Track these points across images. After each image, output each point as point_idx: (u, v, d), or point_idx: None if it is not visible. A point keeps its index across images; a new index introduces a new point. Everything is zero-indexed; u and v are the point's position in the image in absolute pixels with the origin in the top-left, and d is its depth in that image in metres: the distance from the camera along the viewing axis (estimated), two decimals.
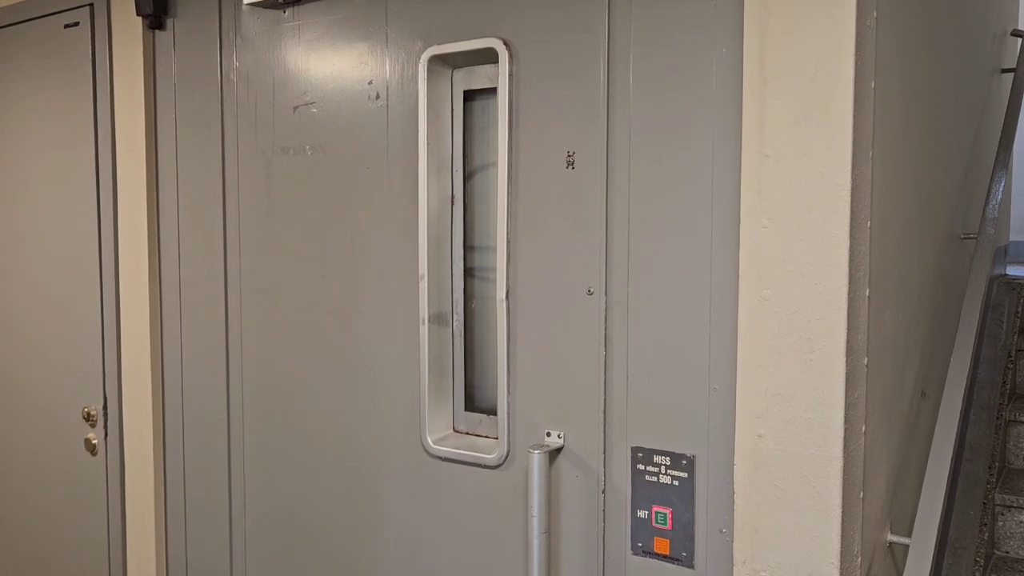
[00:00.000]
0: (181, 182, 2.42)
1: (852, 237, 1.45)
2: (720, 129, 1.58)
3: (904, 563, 1.98)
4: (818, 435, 1.47)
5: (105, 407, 2.61)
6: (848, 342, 1.45)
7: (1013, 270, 4.09)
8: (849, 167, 1.42)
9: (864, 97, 1.47)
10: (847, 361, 1.46)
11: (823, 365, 1.47)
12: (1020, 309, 3.46)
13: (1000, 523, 2.81)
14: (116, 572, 2.63)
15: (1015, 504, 2.78)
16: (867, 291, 1.55)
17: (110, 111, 2.52)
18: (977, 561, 2.66)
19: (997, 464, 2.96)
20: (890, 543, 1.83)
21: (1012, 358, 3.29)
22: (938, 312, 2.35)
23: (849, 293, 1.45)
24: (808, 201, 1.46)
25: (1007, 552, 2.81)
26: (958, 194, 2.63)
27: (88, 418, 2.65)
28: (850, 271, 1.45)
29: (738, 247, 1.56)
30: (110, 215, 2.54)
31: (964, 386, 2.05)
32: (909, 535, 1.88)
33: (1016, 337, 3.34)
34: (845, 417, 1.46)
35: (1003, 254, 3.86)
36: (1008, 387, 3.22)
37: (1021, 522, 2.79)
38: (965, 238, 2.68)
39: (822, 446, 1.47)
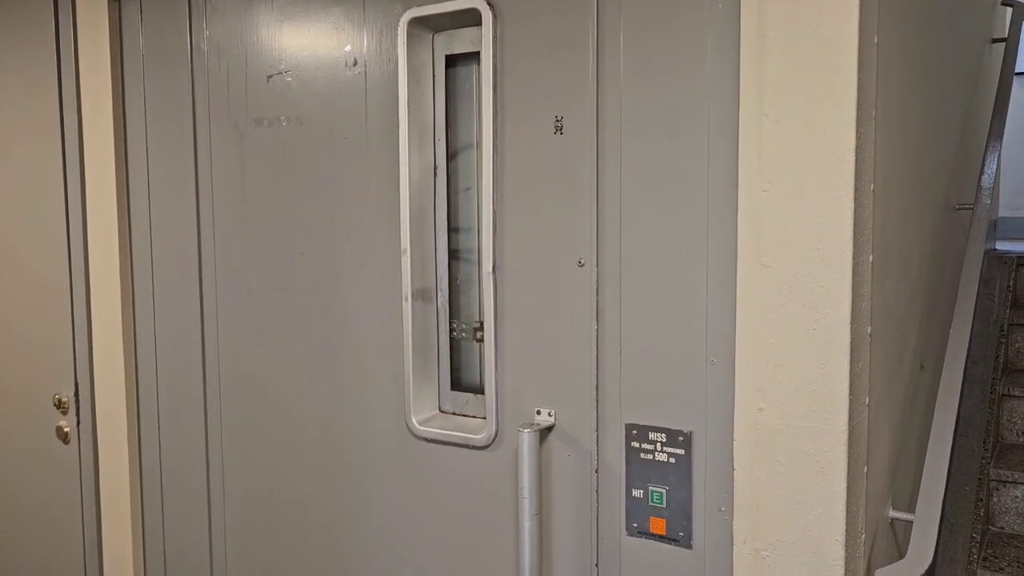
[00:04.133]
0: (151, 158, 2.32)
1: (856, 200, 1.38)
2: (716, 88, 1.50)
3: (905, 540, 1.93)
4: (822, 408, 1.41)
5: (76, 394, 2.52)
6: (853, 310, 1.39)
7: (1002, 245, 4.06)
8: (854, 126, 1.35)
9: (868, 53, 1.40)
10: (851, 330, 1.39)
11: (827, 334, 1.40)
12: (1012, 284, 3.42)
13: (995, 499, 2.77)
14: (92, 562, 2.54)
15: (1010, 479, 2.74)
16: (870, 257, 1.48)
17: (75, 86, 2.41)
18: (973, 537, 2.63)
19: (992, 439, 2.92)
20: (892, 519, 1.78)
21: (1004, 332, 3.25)
22: (934, 283, 2.30)
23: (853, 259, 1.38)
24: (810, 162, 1.39)
25: (1002, 528, 2.78)
26: (952, 164, 2.58)
27: (59, 405, 2.56)
28: (854, 236, 1.38)
29: (736, 213, 1.49)
30: (78, 194, 2.43)
31: (964, 360, 2.00)
32: (909, 511, 1.83)
33: (1008, 311, 3.30)
34: (850, 388, 1.39)
35: (992, 229, 3.83)
36: (1001, 361, 3.18)
37: (1016, 497, 2.75)
38: (960, 209, 2.63)
39: (826, 419, 1.41)
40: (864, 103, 1.39)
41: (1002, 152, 3.51)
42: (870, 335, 1.50)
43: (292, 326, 2.10)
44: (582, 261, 1.68)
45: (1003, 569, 2.49)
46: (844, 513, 1.41)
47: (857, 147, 1.36)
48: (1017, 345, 3.27)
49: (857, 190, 1.38)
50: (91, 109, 2.37)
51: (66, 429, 2.55)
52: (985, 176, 2.60)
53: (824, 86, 1.37)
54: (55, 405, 2.57)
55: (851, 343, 1.39)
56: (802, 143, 1.40)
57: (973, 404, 2.95)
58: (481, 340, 1.89)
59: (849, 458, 1.40)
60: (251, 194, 2.13)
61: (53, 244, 2.51)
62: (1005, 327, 3.26)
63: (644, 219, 1.60)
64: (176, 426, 2.33)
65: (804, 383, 1.42)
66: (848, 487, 1.41)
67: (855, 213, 1.37)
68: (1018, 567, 2.50)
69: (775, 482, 1.46)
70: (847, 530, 1.42)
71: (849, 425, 1.40)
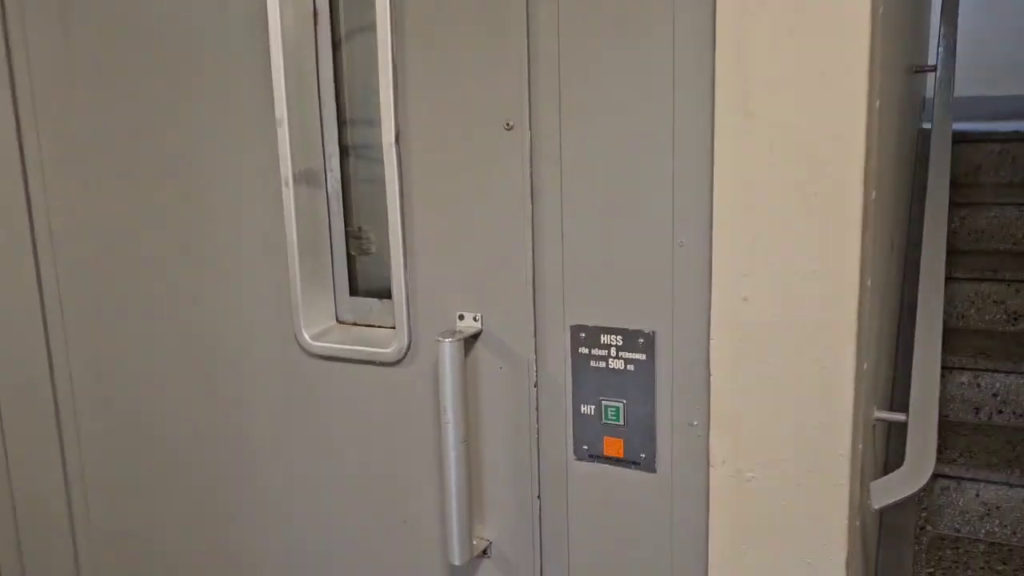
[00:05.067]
0: None
1: (872, 22, 1.05)
2: None
3: (884, 443, 1.71)
4: (826, 293, 1.11)
5: None
6: (866, 167, 1.08)
7: None
8: None
9: None
10: (864, 193, 1.09)
11: (834, 200, 1.09)
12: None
13: (941, 386, 2.62)
14: None
15: (956, 365, 2.60)
16: (877, 103, 1.17)
17: None
18: None
19: None
20: (876, 420, 1.54)
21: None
22: (898, 152, 2.04)
23: (868, 103, 1.07)
24: None
25: (947, 416, 2.64)
26: (911, 23, 2.30)
27: None
28: (869, 70, 1.06)
29: (712, 47, 1.14)
30: None
31: (945, 243, 1.76)
32: (884, 408, 1.60)
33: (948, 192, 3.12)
34: (860, 268, 1.10)
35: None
36: None
37: (962, 384, 2.61)
38: (917, 72, 2.36)
39: (830, 308, 1.12)
40: None
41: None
42: (874, 201, 1.21)
43: (147, 222, 1.67)
44: (510, 123, 1.31)
45: (955, 460, 2.35)
46: (850, 423, 1.13)
47: None
48: (954, 225, 3.11)
49: (873, 7, 1.05)
50: None
51: None
52: (947, 42, 2.33)
53: None
54: None
55: (863, 209, 1.09)
56: None
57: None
58: (371, 251, 1.52)
59: (857, 355, 1.12)
60: (79, 56, 1.66)
61: None
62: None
63: (590, 63, 1.24)
64: (11, 359, 1.89)
65: (804, 263, 1.12)
66: (855, 390, 1.13)
67: (872, 39, 1.05)
68: (970, 456, 2.37)
69: (763, 388, 1.17)
70: (852, 443, 1.15)
71: (858, 313, 1.11)
